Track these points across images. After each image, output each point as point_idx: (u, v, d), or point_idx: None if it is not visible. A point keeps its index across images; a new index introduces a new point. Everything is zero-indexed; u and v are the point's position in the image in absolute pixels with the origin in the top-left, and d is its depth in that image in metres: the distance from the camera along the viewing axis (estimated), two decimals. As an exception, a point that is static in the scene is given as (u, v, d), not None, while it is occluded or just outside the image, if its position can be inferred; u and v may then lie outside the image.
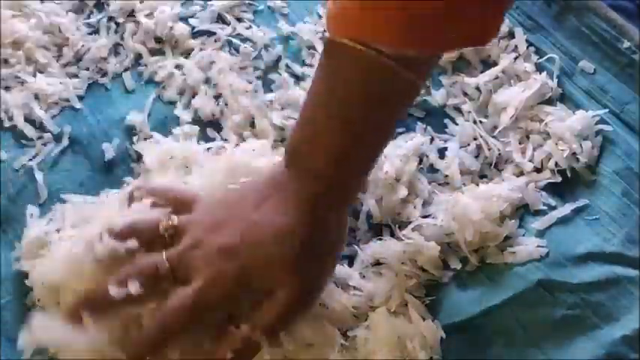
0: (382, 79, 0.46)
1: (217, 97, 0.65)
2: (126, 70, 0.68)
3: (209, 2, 0.72)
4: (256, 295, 0.47)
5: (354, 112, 0.47)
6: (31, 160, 0.62)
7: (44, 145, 0.63)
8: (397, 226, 0.57)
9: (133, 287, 0.45)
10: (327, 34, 0.47)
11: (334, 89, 0.47)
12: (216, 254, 0.46)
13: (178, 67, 0.67)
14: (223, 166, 0.54)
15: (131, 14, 0.71)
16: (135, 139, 0.62)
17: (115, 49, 0.69)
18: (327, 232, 0.48)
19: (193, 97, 0.65)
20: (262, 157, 0.56)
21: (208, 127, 0.63)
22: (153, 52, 0.69)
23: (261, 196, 0.48)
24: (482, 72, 0.65)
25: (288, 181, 0.48)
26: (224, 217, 0.48)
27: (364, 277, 0.55)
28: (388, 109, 0.48)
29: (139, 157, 0.61)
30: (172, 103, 0.66)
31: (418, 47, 0.44)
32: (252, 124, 0.63)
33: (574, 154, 0.59)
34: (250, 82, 0.66)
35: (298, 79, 0.67)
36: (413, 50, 0.44)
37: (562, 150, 0.59)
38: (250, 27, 0.70)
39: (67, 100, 0.65)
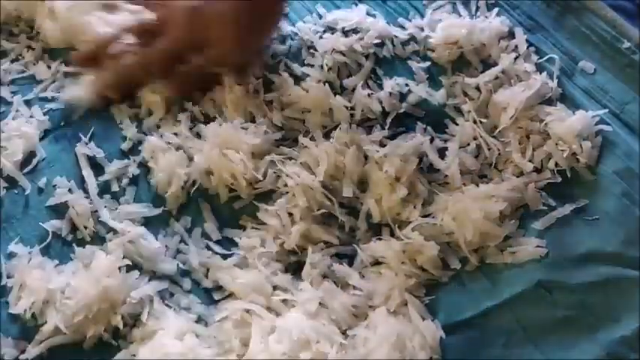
0: None
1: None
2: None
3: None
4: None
5: None
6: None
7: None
8: (397, 226, 0.57)
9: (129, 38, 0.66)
10: None
11: None
12: (183, 12, 0.63)
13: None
14: None
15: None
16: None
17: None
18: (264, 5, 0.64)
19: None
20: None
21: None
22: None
23: None
24: (482, 72, 0.66)
25: None
26: None
27: (364, 276, 0.55)
28: None
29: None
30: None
31: None
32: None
33: (574, 154, 0.59)
34: (250, 82, 0.66)
35: (298, 79, 0.67)
36: None
37: (562, 150, 0.59)
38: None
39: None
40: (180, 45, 0.63)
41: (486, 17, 0.68)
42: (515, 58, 0.65)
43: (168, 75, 0.63)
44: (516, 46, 0.66)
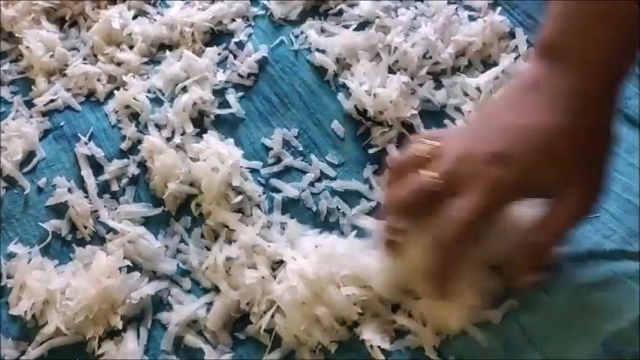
0: None
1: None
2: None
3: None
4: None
5: None
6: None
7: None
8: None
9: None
10: None
11: None
12: (488, 164, 0.44)
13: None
14: None
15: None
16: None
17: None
18: (599, 131, 0.45)
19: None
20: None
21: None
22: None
23: (520, 100, 0.46)
24: (482, 72, 0.65)
25: (549, 78, 0.45)
26: (484, 129, 0.46)
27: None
28: None
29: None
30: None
31: None
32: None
33: (574, 154, 0.59)
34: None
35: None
36: None
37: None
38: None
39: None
40: (491, 210, 0.45)
41: (486, 17, 0.68)
42: (516, 58, 0.65)
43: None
44: (516, 46, 0.66)
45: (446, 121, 0.64)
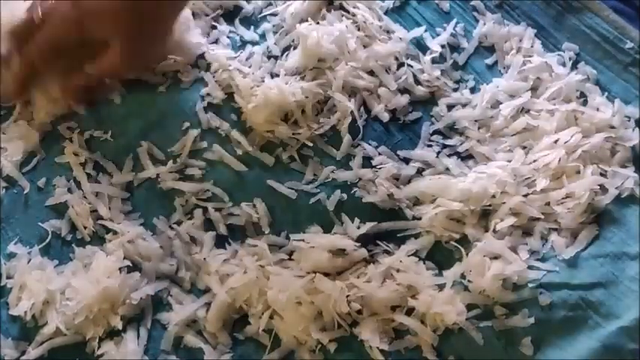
0: None
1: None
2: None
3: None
4: (94, 43, 0.58)
5: None
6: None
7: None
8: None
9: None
10: None
11: None
12: (63, 4, 0.57)
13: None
14: None
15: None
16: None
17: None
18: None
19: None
20: None
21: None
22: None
23: None
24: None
25: None
26: None
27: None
28: None
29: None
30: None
31: None
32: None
33: (574, 155, 0.59)
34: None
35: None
36: None
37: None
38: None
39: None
40: (61, 38, 0.58)
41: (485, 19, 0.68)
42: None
43: (54, 71, 0.61)
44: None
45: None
